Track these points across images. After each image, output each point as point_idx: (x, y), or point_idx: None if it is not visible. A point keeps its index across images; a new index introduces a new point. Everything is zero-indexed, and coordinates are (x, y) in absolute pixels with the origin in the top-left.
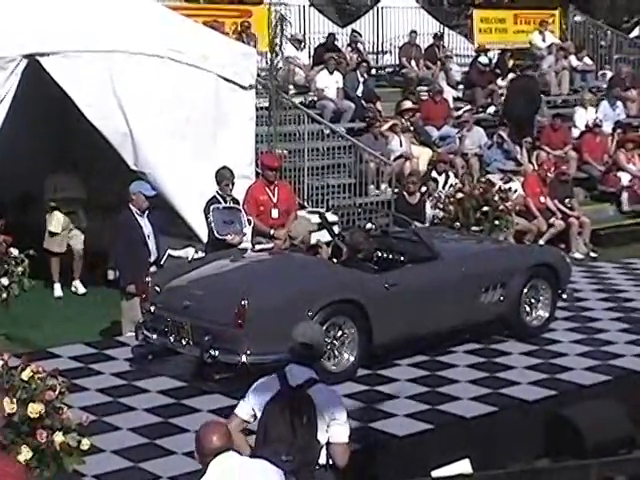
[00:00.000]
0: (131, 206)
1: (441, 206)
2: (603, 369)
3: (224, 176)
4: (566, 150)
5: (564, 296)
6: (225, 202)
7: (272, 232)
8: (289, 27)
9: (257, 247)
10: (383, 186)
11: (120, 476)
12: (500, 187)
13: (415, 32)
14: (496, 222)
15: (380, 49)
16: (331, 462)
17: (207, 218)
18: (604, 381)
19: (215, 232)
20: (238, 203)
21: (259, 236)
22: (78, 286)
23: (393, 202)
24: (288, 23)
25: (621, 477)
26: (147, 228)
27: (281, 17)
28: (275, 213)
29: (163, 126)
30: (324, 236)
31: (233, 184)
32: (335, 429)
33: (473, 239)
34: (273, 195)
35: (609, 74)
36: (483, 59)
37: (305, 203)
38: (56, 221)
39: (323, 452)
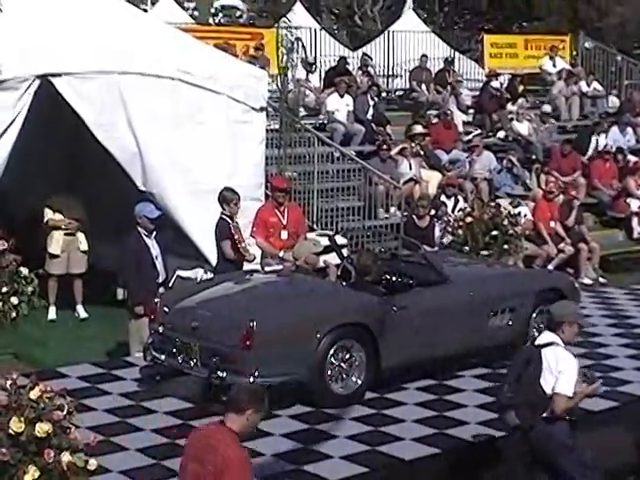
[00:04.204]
0: (139, 228)
1: (450, 230)
2: (611, 395)
3: (232, 198)
4: (575, 176)
5: None
6: (233, 222)
7: (281, 254)
8: (301, 50)
9: (266, 269)
10: (392, 209)
11: None
12: (509, 212)
13: (426, 56)
14: (505, 247)
15: (391, 73)
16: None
17: (218, 240)
18: (612, 407)
19: None
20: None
21: (268, 258)
22: (80, 311)
23: (402, 225)
24: (301, 46)
25: None
26: (155, 249)
27: (296, 40)
28: (284, 235)
29: (173, 147)
30: (333, 258)
31: (239, 203)
32: (558, 380)
33: (482, 263)
34: (283, 217)
35: (615, 100)
36: (495, 84)
37: (314, 225)
38: (55, 243)
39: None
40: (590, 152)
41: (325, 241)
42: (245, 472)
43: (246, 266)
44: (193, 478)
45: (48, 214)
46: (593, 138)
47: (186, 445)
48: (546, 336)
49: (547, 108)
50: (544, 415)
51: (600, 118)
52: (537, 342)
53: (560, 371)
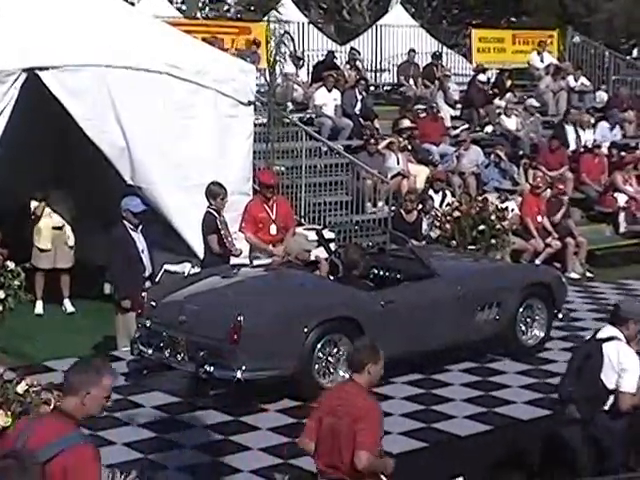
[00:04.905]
0: (124, 222)
1: (438, 224)
2: None
3: (218, 192)
4: (562, 171)
5: (560, 316)
6: (219, 216)
7: (271, 248)
8: (290, 44)
9: (255, 262)
10: (380, 204)
11: None
12: (497, 206)
13: (414, 51)
14: (492, 241)
15: (379, 67)
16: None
17: (204, 235)
18: None
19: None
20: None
21: (257, 252)
22: (67, 305)
23: (390, 220)
24: (290, 40)
25: None
26: (141, 243)
27: (285, 33)
28: (274, 229)
29: (161, 142)
30: (324, 252)
31: (226, 198)
32: (621, 379)
33: (469, 258)
34: (272, 212)
35: (603, 95)
36: (482, 77)
37: (302, 220)
38: (44, 238)
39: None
40: (574, 145)
41: (313, 235)
42: (378, 420)
43: (233, 260)
44: (329, 430)
45: (33, 205)
46: (569, 128)
47: (319, 403)
48: (607, 330)
49: (532, 102)
50: (605, 408)
51: (573, 109)
52: (598, 336)
53: (623, 369)
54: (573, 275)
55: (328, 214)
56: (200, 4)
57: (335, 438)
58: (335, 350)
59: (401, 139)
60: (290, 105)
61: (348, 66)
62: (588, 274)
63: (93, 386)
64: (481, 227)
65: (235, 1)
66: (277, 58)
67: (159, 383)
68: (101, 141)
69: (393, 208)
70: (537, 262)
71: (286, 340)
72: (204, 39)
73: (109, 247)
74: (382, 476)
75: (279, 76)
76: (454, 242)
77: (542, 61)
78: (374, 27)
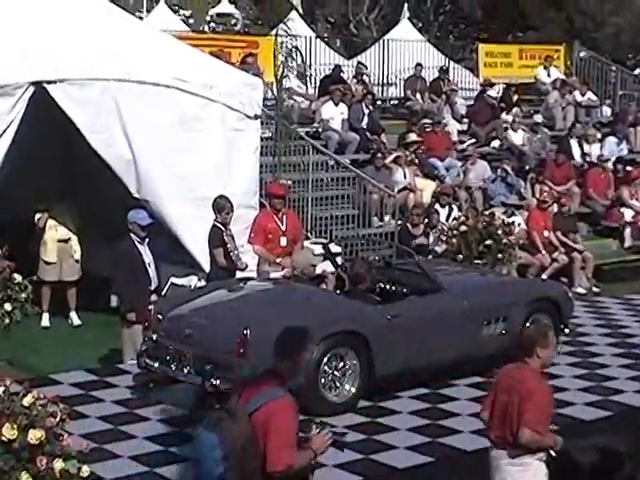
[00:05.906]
0: (131, 234)
1: (444, 239)
2: (604, 405)
3: (224, 206)
4: (569, 186)
5: (566, 331)
6: (226, 230)
7: (279, 260)
8: (299, 58)
9: (263, 276)
10: (387, 218)
11: None
12: (503, 221)
13: (420, 65)
14: (499, 255)
15: (385, 81)
16: None
17: (210, 248)
18: (605, 417)
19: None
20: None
21: (265, 264)
22: (74, 318)
23: (396, 234)
24: (299, 54)
25: None
26: (147, 256)
27: (294, 48)
28: (284, 241)
29: (167, 155)
30: (330, 266)
31: (232, 212)
32: None
33: (476, 272)
34: (282, 223)
35: (608, 110)
36: (491, 92)
37: (309, 234)
38: (49, 251)
39: None
40: (579, 159)
41: (319, 249)
42: (545, 400)
43: (239, 274)
44: (502, 406)
45: (37, 217)
46: (573, 142)
47: (495, 381)
48: None
49: (539, 118)
50: None
51: (578, 123)
52: None
53: None
54: (580, 290)
55: (335, 228)
56: (208, 18)
57: (506, 414)
58: (341, 364)
59: (408, 153)
60: (296, 119)
61: (355, 80)
62: (595, 289)
63: (305, 352)
64: (488, 242)
65: (243, 15)
66: (285, 72)
67: (165, 396)
68: (107, 154)
69: (400, 222)
70: (544, 277)
71: None
72: (211, 53)
73: (115, 260)
74: (551, 451)
75: (285, 90)
76: (460, 256)
77: (549, 76)
78: (381, 41)
